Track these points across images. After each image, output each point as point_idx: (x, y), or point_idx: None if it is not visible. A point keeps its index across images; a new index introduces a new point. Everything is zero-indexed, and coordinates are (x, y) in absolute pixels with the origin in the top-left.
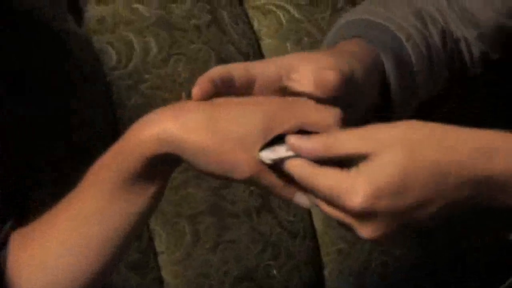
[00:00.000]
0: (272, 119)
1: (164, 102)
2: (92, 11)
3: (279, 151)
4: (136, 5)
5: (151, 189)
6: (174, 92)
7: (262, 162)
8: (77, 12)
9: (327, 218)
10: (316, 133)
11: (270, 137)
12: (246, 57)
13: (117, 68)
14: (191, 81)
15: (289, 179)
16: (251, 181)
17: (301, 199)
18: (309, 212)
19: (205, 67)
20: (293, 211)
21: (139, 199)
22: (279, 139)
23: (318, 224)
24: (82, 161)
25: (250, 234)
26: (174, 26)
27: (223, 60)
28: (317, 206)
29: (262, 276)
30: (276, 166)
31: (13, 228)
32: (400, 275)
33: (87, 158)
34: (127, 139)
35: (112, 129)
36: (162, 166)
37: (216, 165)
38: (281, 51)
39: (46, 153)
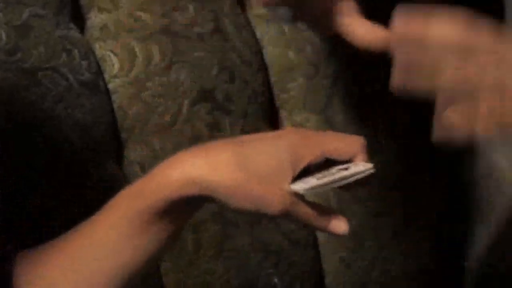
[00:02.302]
0: (298, 151)
1: (167, 110)
2: (95, 19)
3: (310, 182)
4: (139, 13)
5: (169, 230)
6: (176, 100)
7: (295, 194)
8: (80, 20)
9: None
10: (341, 162)
11: (298, 169)
12: (249, 65)
13: (119, 76)
14: (194, 89)
15: (322, 209)
16: (285, 214)
17: (338, 225)
18: None
19: (208, 75)
20: None
21: (156, 239)
22: (306, 171)
23: (319, 232)
24: (82, 169)
25: (252, 243)
26: (177, 34)
27: (226, 68)
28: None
29: (263, 285)
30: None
31: (15, 245)
32: (402, 283)
33: (88, 166)
34: (154, 179)
35: (113, 137)
36: (185, 208)
37: (249, 202)
38: (283, 59)
39: (46, 159)
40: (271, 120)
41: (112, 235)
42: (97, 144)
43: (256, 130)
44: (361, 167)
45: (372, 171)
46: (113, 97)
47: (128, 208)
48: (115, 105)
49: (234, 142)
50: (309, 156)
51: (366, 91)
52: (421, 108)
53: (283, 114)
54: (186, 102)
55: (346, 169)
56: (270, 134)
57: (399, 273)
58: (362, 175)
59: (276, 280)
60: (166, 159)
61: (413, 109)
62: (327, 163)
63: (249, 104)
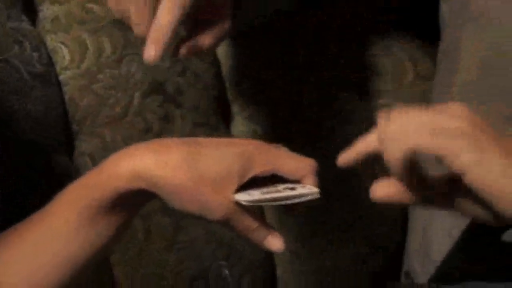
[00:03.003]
0: (249, 162)
1: (118, 102)
2: (47, 11)
3: (255, 195)
4: (90, 5)
5: (117, 223)
6: (127, 92)
7: (237, 204)
8: (32, 12)
9: (280, 218)
10: (290, 180)
11: (244, 179)
12: (201, 59)
13: (70, 68)
14: (145, 81)
15: (261, 223)
16: (224, 222)
17: (273, 241)
18: (261, 211)
19: (159, 68)
20: None
21: (105, 231)
22: (252, 182)
23: (271, 223)
24: (33, 161)
25: (205, 234)
26: (128, 27)
27: (178, 60)
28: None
29: (215, 276)
30: (250, 209)
31: None
32: (352, 272)
33: (40, 158)
34: (103, 170)
35: (65, 129)
36: (133, 201)
37: (191, 205)
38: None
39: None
40: (223, 113)
41: (62, 227)
42: (48, 136)
43: (208, 123)
44: (307, 190)
45: (317, 196)
46: (64, 89)
47: (76, 200)
48: (66, 97)
49: (188, 143)
50: (259, 169)
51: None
52: None
53: (234, 108)
54: (137, 94)
55: (292, 189)
56: (226, 141)
57: (349, 262)
58: (307, 198)
59: (226, 271)
60: (117, 151)
61: None
62: (275, 179)
63: (201, 97)
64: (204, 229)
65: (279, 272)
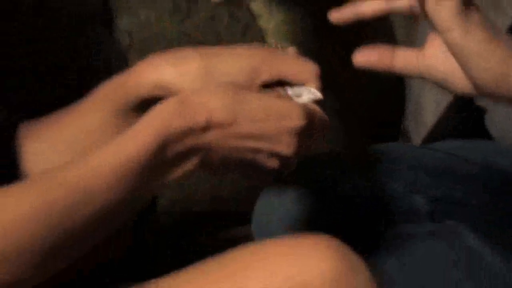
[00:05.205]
0: (256, 70)
1: None
2: None
3: None
4: None
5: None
6: None
7: None
8: None
9: None
10: (294, 85)
11: (253, 88)
12: None
13: None
14: None
15: None
16: None
17: None
18: None
19: None
20: None
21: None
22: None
23: None
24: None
25: None
26: None
27: None
28: None
29: None
30: None
31: (20, 118)
32: None
33: (84, 28)
34: (128, 77)
35: (104, 8)
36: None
37: None
38: None
39: (46, 21)
40: None
41: (98, 120)
42: (90, 12)
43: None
44: (310, 94)
45: (320, 98)
46: None
47: (109, 100)
48: None
49: (205, 53)
50: (266, 76)
51: None
52: None
53: None
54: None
55: (298, 96)
56: (234, 51)
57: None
58: (310, 99)
59: None
60: (150, 28)
61: None
62: (281, 82)
63: None
64: None
65: None
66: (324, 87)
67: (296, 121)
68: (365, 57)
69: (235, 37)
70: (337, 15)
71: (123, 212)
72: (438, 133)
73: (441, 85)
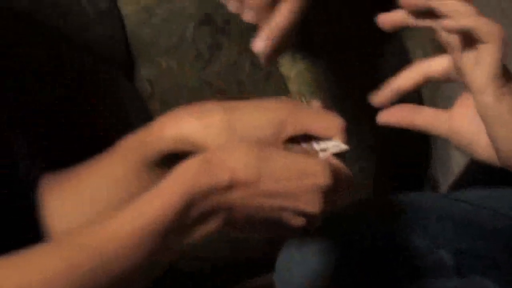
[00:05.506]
0: (282, 124)
1: (173, 33)
2: None
3: None
4: None
5: (159, 180)
6: (181, 24)
7: None
8: None
9: None
10: (319, 138)
11: (278, 142)
12: None
13: (131, 4)
14: (196, 13)
15: None
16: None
17: None
18: None
19: (208, 2)
20: None
21: (147, 187)
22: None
23: None
24: (100, 80)
25: None
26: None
27: None
28: None
29: None
30: None
31: (41, 169)
32: None
33: (105, 77)
34: (150, 132)
35: (126, 58)
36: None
37: None
38: None
39: (72, 72)
40: None
41: (124, 170)
42: (112, 62)
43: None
44: (336, 147)
45: (346, 149)
46: (125, 22)
47: (133, 151)
48: (127, 30)
49: (229, 106)
50: (291, 130)
51: None
52: None
53: None
54: (190, 26)
55: (324, 150)
56: (260, 105)
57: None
58: (336, 151)
59: None
60: (172, 76)
61: None
62: (307, 136)
63: (246, 25)
64: None
65: None
66: (348, 137)
67: (322, 179)
68: (389, 116)
69: (258, 84)
70: (377, 99)
71: (140, 279)
72: (465, 180)
73: (465, 149)
